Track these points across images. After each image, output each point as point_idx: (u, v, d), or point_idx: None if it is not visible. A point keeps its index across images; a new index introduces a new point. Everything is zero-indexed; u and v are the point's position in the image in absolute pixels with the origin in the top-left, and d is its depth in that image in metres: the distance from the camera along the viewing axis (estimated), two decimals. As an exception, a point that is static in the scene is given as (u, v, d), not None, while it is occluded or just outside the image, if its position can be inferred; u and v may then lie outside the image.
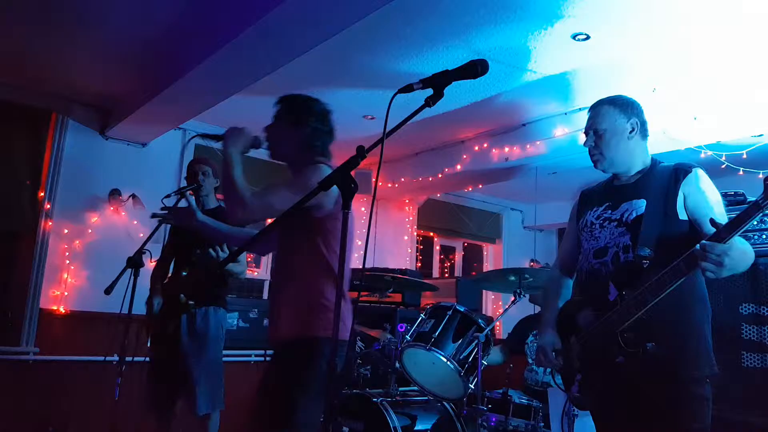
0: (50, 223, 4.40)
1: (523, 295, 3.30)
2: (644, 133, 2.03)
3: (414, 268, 6.29)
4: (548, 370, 3.46)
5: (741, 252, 1.61)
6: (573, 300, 2.13)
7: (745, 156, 3.80)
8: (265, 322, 5.09)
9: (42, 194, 4.40)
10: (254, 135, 2.23)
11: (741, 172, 3.92)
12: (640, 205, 1.91)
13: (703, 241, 1.57)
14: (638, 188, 1.96)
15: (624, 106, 2.01)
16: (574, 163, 4.50)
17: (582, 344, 1.95)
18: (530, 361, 3.65)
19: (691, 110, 3.66)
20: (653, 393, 1.78)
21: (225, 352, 3.51)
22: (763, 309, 2.92)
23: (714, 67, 3.48)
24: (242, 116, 4.74)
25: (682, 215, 1.86)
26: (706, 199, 1.85)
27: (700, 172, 1.90)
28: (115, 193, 4.63)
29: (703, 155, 3.88)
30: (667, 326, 1.77)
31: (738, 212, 1.57)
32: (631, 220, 1.90)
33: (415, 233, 6.55)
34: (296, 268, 2.06)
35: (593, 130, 2.02)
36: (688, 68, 3.53)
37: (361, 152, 1.46)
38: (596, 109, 2.04)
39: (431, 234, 6.96)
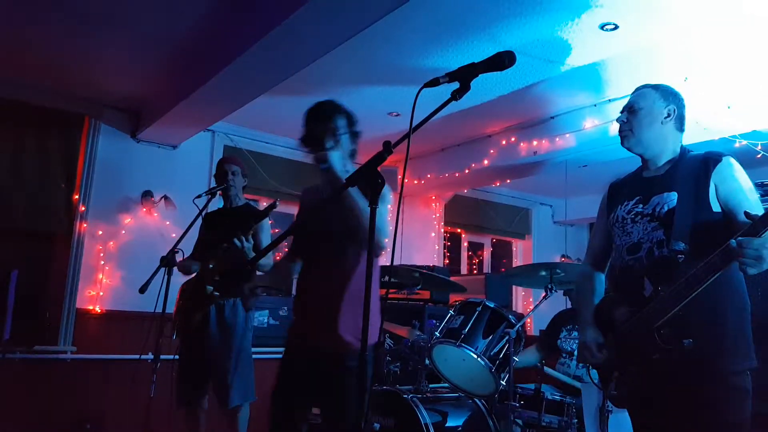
0: (85, 225, 4.51)
1: (555, 291, 3.25)
2: (680, 125, 2.00)
3: (441, 265, 6.26)
4: (581, 364, 3.44)
5: None
6: (608, 297, 2.10)
7: (781, 144, 3.69)
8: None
9: (77, 197, 4.51)
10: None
11: (777, 161, 3.80)
12: (672, 197, 1.87)
13: (739, 237, 1.54)
14: (668, 180, 1.92)
15: (666, 93, 2.00)
16: (605, 156, 4.43)
17: (618, 341, 1.92)
18: (563, 355, 3.61)
19: (725, 99, 3.55)
20: (691, 388, 1.74)
21: (255, 349, 3.55)
22: (800, 300, 2.84)
23: (747, 54, 3.37)
24: (268, 116, 4.81)
25: (715, 206, 1.82)
26: (738, 188, 1.81)
27: (731, 161, 1.86)
28: (147, 195, 4.73)
29: (737, 145, 3.77)
30: (704, 321, 1.74)
31: None
32: (663, 214, 1.86)
33: (442, 230, 6.52)
34: (348, 274, 2.12)
35: (629, 106, 2.01)
36: (720, 56, 3.43)
37: (388, 148, 1.46)
38: (639, 90, 2.04)
39: (458, 230, 6.91)
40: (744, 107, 3.51)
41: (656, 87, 2.02)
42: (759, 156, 3.70)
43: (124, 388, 4.22)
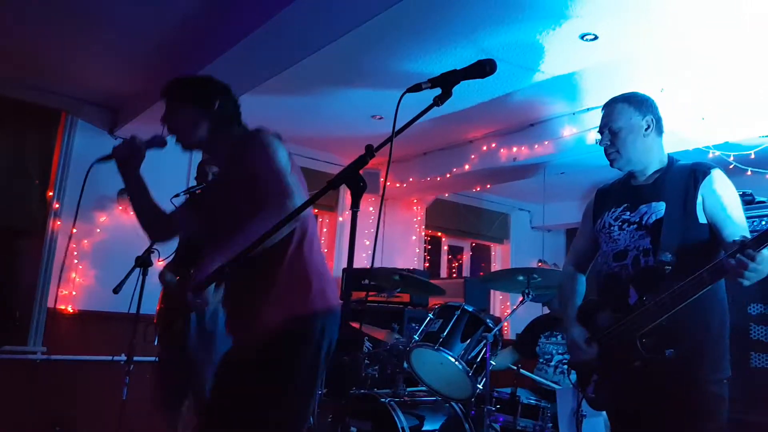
0: (59, 223, 4.43)
1: (531, 296, 3.28)
2: (660, 130, 2.01)
3: (422, 268, 6.28)
4: (558, 369, 3.48)
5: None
6: (592, 300, 2.12)
7: (753, 156, 3.78)
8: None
9: (51, 193, 4.43)
10: (152, 136, 2.14)
11: (749, 173, 3.90)
12: (660, 207, 1.88)
13: (739, 256, 1.55)
14: (657, 189, 1.94)
15: (639, 103, 1.99)
16: (583, 163, 4.50)
17: (600, 346, 1.94)
18: (541, 361, 3.64)
19: (700, 110, 3.64)
20: (670, 395, 1.77)
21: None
22: (772, 309, 2.90)
23: (722, 67, 3.46)
24: (250, 114, 4.76)
25: (702, 218, 1.84)
26: (724, 202, 1.83)
27: (718, 174, 1.87)
28: (123, 193, 4.63)
29: (711, 155, 3.86)
30: (687, 332, 1.76)
31: (759, 215, 1.56)
32: (650, 224, 1.88)
33: (423, 233, 6.54)
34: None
35: (608, 128, 1.99)
36: (696, 68, 3.52)
37: (370, 151, 1.46)
38: (611, 106, 2.02)
39: (439, 234, 6.94)
40: (717, 119, 3.60)
41: (627, 99, 2.00)
42: (731, 167, 3.80)
43: (96, 390, 4.14)
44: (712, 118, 3.61)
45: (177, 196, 3.31)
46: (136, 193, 2.13)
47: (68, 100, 4.50)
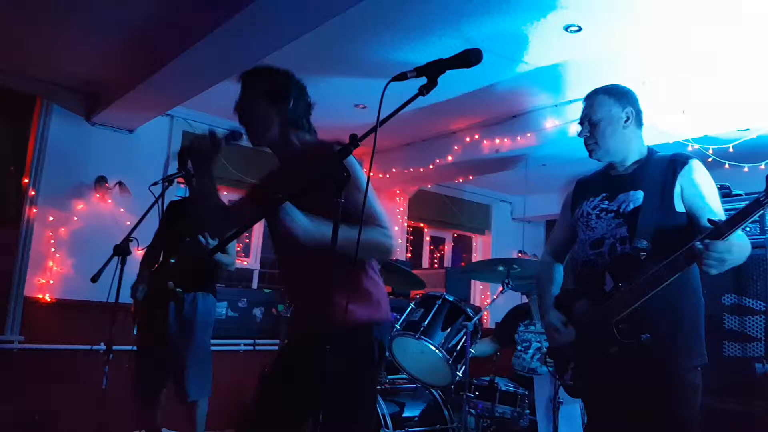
0: (35, 210, 4.34)
1: (511, 285, 3.32)
2: (639, 123, 2.03)
3: (404, 259, 6.30)
4: (535, 356, 3.53)
5: (739, 246, 1.63)
6: (568, 289, 2.14)
7: (731, 150, 3.86)
8: (256, 311, 5.08)
9: (26, 181, 4.33)
10: (230, 131, 2.01)
11: (727, 166, 3.96)
12: (638, 196, 1.90)
13: (705, 239, 1.58)
14: (635, 179, 1.96)
15: (619, 95, 2.00)
16: (564, 155, 4.54)
17: (577, 333, 1.96)
18: (519, 348, 3.69)
19: (680, 104, 3.69)
20: (646, 382, 1.80)
21: (213, 341, 3.50)
22: (746, 300, 2.97)
23: (703, 62, 3.51)
24: (230, 102, 4.70)
25: (679, 207, 1.87)
26: (702, 191, 1.85)
27: (697, 164, 1.90)
28: (101, 180, 4.58)
29: (690, 148, 3.92)
30: (662, 318, 1.79)
31: (736, 208, 1.58)
32: (628, 212, 1.90)
33: (406, 224, 6.56)
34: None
35: (588, 119, 2.01)
36: (677, 62, 3.56)
37: (354, 141, 1.46)
38: (591, 98, 2.03)
39: (421, 225, 6.96)
40: (697, 113, 3.65)
41: (607, 91, 2.02)
42: (710, 160, 3.87)
43: (74, 379, 4.10)
44: (692, 111, 3.66)
45: (156, 183, 3.27)
46: (209, 190, 1.99)
47: (43, 85, 4.39)
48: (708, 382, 1.87)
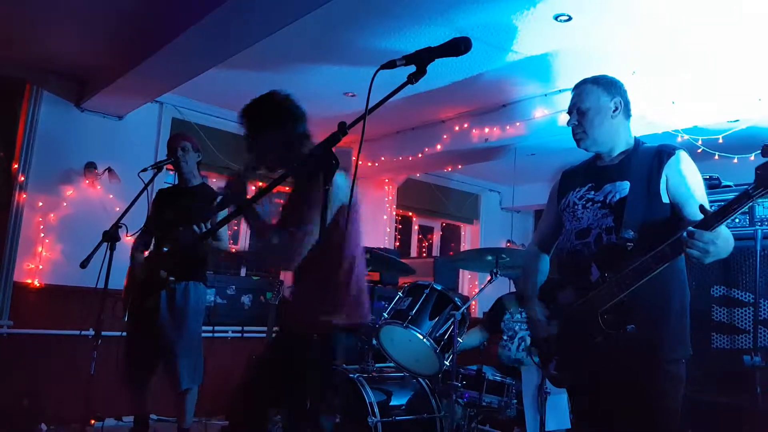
0: (24, 196, 4.31)
1: (499, 275, 3.34)
2: (627, 113, 2.04)
3: (392, 248, 6.32)
4: (521, 346, 3.57)
5: (725, 239, 1.64)
6: (554, 279, 2.15)
7: (721, 141, 3.86)
8: (245, 298, 5.09)
9: (16, 166, 4.30)
10: (246, 167, 2.21)
11: (716, 157, 3.97)
12: (624, 187, 1.91)
13: (691, 228, 1.58)
14: (622, 169, 1.96)
15: (608, 85, 2.01)
16: (553, 145, 4.55)
17: (562, 323, 1.98)
18: (504, 338, 3.72)
19: (670, 94, 3.71)
20: (629, 372, 1.81)
21: (203, 327, 3.51)
22: (734, 291, 2.97)
23: (693, 53, 3.52)
24: (219, 90, 4.69)
25: (665, 198, 1.87)
26: (688, 182, 1.86)
27: (683, 155, 1.91)
28: (90, 167, 4.55)
29: (680, 139, 3.94)
30: (648, 309, 1.80)
31: (725, 200, 1.58)
32: (614, 202, 1.91)
33: (394, 213, 6.57)
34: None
35: (576, 108, 2.02)
36: (667, 53, 3.57)
37: (343, 128, 1.47)
38: (580, 87, 2.04)
39: (410, 214, 6.98)
40: (687, 103, 3.67)
41: (596, 81, 2.03)
42: (699, 151, 3.89)
43: (63, 364, 4.11)
44: (681, 102, 3.67)
45: (145, 170, 3.26)
46: (253, 218, 2.13)
47: (32, 70, 4.35)
48: (696, 374, 1.89)
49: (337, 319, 2.04)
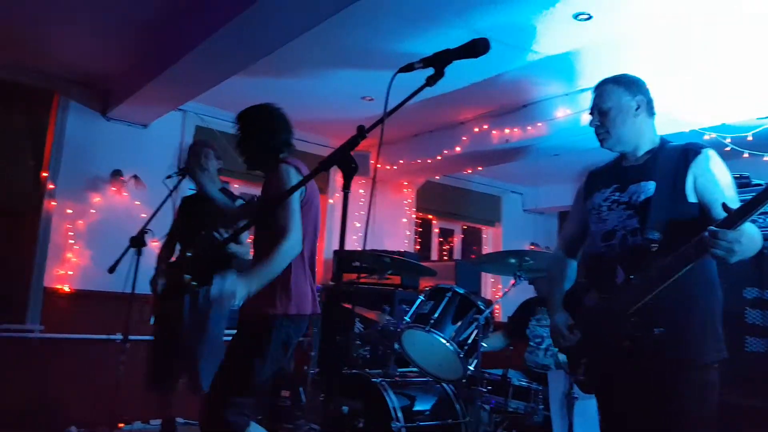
0: (53, 203, 4.42)
1: (523, 278, 3.30)
2: (651, 111, 2.00)
3: (412, 251, 6.30)
4: (549, 353, 3.52)
5: (750, 238, 1.58)
6: (580, 282, 2.12)
7: (750, 138, 3.76)
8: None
9: (45, 175, 4.41)
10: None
11: (746, 155, 3.88)
12: (649, 187, 1.87)
13: (713, 228, 1.54)
14: (647, 169, 1.92)
15: (629, 84, 1.98)
16: (576, 145, 4.48)
17: (589, 327, 1.94)
18: (532, 344, 3.67)
19: (696, 92, 3.63)
20: (659, 377, 1.77)
21: (227, 331, 3.54)
22: (768, 293, 2.91)
23: (719, 48, 3.44)
24: (241, 97, 4.73)
25: (692, 198, 1.82)
26: (716, 181, 1.81)
27: (711, 153, 1.86)
28: (116, 174, 4.64)
29: (707, 137, 3.84)
30: (675, 311, 1.76)
31: (749, 197, 1.53)
32: (639, 203, 1.87)
33: (414, 216, 6.55)
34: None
35: (598, 109, 1.99)
36: (692, 49, 3.50)
37: (362, 132, 1.47)
38: (600, 88, 2.02)
39: (430, 216, 6.95)
40: (713, 101, 3.57)
41: (617, 80, 2.00)
42: (728, 149, 3.79)
43: (92, 368, 4.18)
44: (708, 99, 3.58)
45: (169, 177, 3.32)
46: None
47: (59, 81, 4.46)
48: (730, 378, 1.83)
49: (273, 311, 2.29)
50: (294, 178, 2.36)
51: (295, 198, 2.31)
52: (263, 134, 2.52)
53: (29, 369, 4.12)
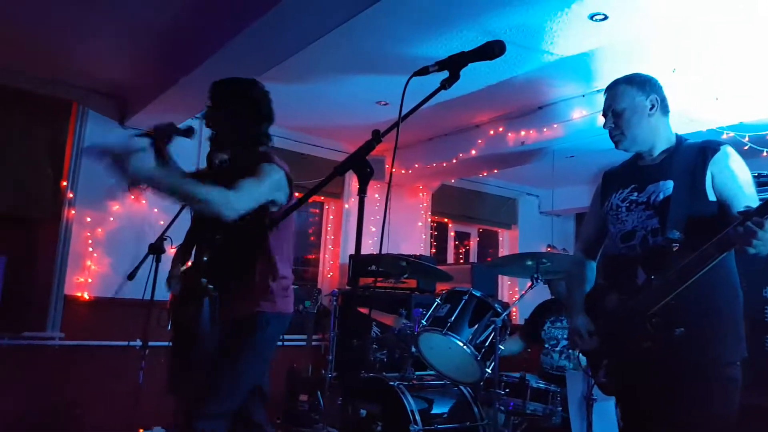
0: (73, 212, 4.48)
1: (540, 280, 3.28)
2: (665, 110, 1.98)
3: (428, 254, 6.29)
4: (564, 355, 3.50)
5: None
6: (600, 284, 2.11)
7: (769, 137, 3.73)
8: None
9: (65, 183, 4.48)
10: (187, 126, 2.50)
11: (765, 153, 3.85)
12: (668, 186, 1.86)
13: (750, 225, 1.51)
14: (664, 168, 1.91)
15: (641, 83, 1.96)
16: (593, 146, 4.46)
17: (609, 328, 1.93)
18: (547, 346, 3.65)
19: (713, 90, 3.59)
20: (681, 378, 1.75)
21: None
22: (788, 292, 2.87)
23: (736, 46, 3.40)
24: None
25: (711, 196, 1.81)
26: (735, 178, 1.80)
27: (729, 150, 1.84)
28: (135, 182, 4.69)
29: (725, 136, 3.81)
30: (696, 311, 1.74)
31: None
32: (658, 203, 1.86)
33: (429, 219, 6.54)
34: (247, 256, 2.32)
35: (612, 110, 1.97)
36: (708, 47, 3.46)
37: (377, 136, 1.47)
38: (613, 89, 2.00)
39: (445, 220, 6.94)
40: (731, 99, 3.54)
41: (629, 80, 1.98)
42: (746, 148, 3.75)
43: (112, 374, 4.23)
44: (726, 98, 3.54)
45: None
46: (169, 167, 2.50)
47: (78, 90, 4.53)
48: (749, 378, 1.81)
49: (262, 309, 2.26)
50: (278, 184, 2.18)
51: (269, 187, 2.13)
52: (250, 116, 2.31)
53: (50, 376, 4.18)
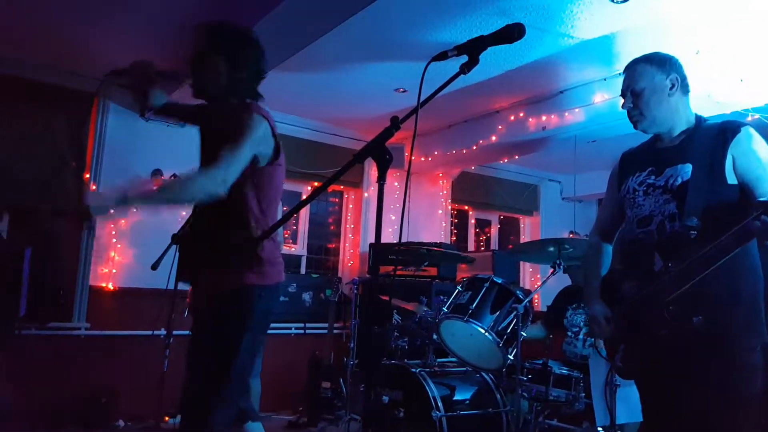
0: (96, 204, 4.55)
1: (561, 267, 3.25)
2: (686, 89, 1.93)
3: (449, 242, 6.27)
4: (588, 342, 3.46)
5: None
6: (617, 269, 2.08)
7: (795, 118, 3.64)
8: (305, 295, 5.20)
9: (87, 176, 4.55)
10: (170, 71, 2.29)
11: (791, 135, 3.75)
12: (686, 170, 1.81)
13: (764, 218, 1.47)
14: (683, 151, 1.86)
15: (661, 62, 1.91)
16: (615, 131, 4.39)
17: (626, 315, 1.91)
18: (569, 334, 3.62)
19: (738, 72, 3.50)
20: (699, 363, 1.73)
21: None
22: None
23: (761, 25, 3.31)
24: (275, 92, 4.78)
25: (731, 179, 1.76)
26: (757, 160, 1.74)
27: (751, 131, 1.79)
28: (157, 173, 4.76)
29: (750, 118, 3.73)
30: (715, 298, 1.71)
31: None
32: (676, 187, 1.81)
33: (449, 207, 6.51)
34: (227, 216, 2.04)
35: (631, 90, 1.93)
36: (732, 28, 3.37)
37: (396, 123, 1.45)
38: (632, 68, 1.95)
39: (466, 207, 6.91)
40: (757, 80, 3.46)
41: (649, 59, 1.93)
42: (772, 129, 3.66)
43: (137, 363, 4.31)
44: (751, 79, 3.46)
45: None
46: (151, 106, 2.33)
47: (99, 83, 4.58)
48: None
49: (248, 282, 1.99)
50: (260, 138, 2.00)
51: (249, 146, 1.96)
52: (242, 65, 2.12)
53: (77, 365, 4.27)
